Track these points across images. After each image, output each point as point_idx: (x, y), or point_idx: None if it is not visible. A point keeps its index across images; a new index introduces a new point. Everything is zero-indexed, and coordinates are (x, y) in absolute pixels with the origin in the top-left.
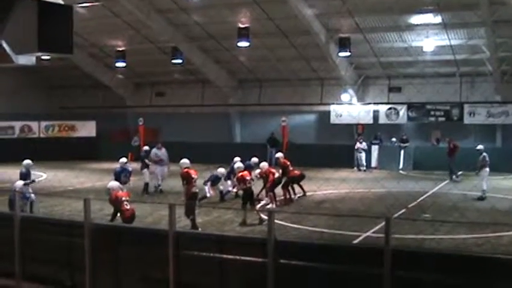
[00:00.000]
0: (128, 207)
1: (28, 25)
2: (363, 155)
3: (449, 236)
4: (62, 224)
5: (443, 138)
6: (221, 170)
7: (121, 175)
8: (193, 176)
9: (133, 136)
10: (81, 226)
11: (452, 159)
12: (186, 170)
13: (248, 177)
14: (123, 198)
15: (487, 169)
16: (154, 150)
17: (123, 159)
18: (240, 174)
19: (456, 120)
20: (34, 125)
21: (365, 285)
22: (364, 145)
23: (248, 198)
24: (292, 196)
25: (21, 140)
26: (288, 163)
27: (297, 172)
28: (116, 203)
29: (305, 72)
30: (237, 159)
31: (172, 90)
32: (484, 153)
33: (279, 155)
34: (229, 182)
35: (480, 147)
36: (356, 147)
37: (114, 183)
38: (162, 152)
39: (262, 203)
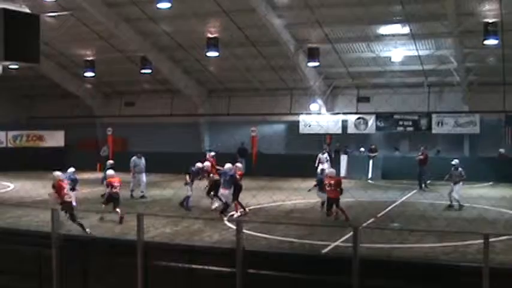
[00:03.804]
0: (69, 197)
1: None
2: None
3: (418, 244)
4: (30, 235)
5: (400, 147)
6: (199, 164)
7: (76, 183)
8: (64, 186)
9: (102, 146)
10: (49, 237)
11: (423, 169)
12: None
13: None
14: (65, 186)
15: (461, 183)
16: (134, 158)
17: (72, 169)
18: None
19: (424, 130)
20: (1, 135)
21: None
22: (326, 156)
23: (213, 188)
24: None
25: None
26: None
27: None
28: (59, 188)
29: (274, 82)
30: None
31: (142, 100)
32: (460, 168)
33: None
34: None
35: (456, 161)
36: (318, 158)
37: (59, 173)
38: (142, 161)
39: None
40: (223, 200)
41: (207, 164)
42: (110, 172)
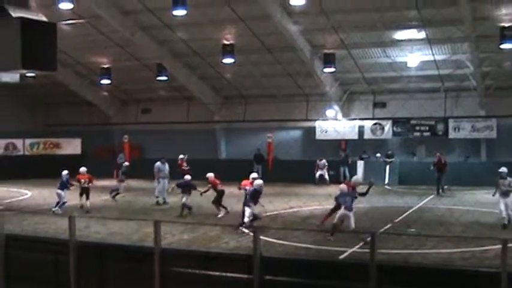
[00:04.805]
0: None
1: (11, 42)
2: (323, 172)
3: (435, 250)
4: (47, 242)
5: (417, 152)
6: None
7: (67, 184)
8: None
9: (119, 153)
10: (66, 244)
11: (442, 174)
12: None
13: (218, 181)
14: None
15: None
16: (158, 163)
17: (65, 171)
18: (213, 180)
19: (441, 135)
20: (19, 142)
21: None
22: (323, 162)
23: (218, 197)
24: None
25: (5, 158)
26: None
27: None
28: None
29: (290, 89)
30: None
31: (158, 107)
32: (510, 178)
33: (209, 174)
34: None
35: (504, 169)
36: (316, 164)
37: None
38: (166, 167)
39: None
40: (249, 217)
41: (210, 174)
42: (81, 169)
